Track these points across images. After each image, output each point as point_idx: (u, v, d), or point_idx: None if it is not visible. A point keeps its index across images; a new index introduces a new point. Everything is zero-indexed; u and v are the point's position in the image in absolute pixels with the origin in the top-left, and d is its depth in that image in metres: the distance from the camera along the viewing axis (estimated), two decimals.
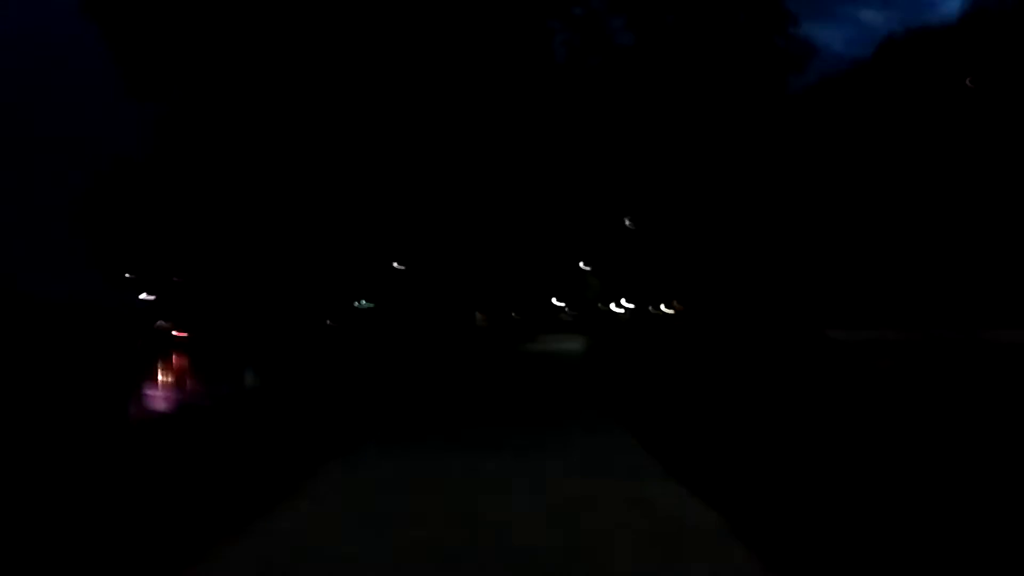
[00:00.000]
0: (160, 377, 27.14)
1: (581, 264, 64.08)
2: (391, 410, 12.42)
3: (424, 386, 16.58)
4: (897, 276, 29.34)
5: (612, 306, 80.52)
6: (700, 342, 22.89)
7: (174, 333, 50.98)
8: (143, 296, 51.67)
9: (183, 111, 28.40)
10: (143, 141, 34.46)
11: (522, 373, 20.85)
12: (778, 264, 33.21)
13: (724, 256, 33.79)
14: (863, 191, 30.09)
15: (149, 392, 21.64)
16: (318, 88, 27.75)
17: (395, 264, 41.20)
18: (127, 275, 47.11)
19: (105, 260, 44.95)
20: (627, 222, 33.75)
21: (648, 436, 9.29)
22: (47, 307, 50.34)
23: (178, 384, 25.02)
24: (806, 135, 32.10)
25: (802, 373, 14.07)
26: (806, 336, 18.50)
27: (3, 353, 31.91)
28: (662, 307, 69.26)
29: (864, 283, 29.93)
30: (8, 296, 50.42)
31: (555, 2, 31.23)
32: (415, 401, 13.73)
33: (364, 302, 53.10)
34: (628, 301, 76.92)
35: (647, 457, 8.15)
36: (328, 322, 51.35)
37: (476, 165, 30.26)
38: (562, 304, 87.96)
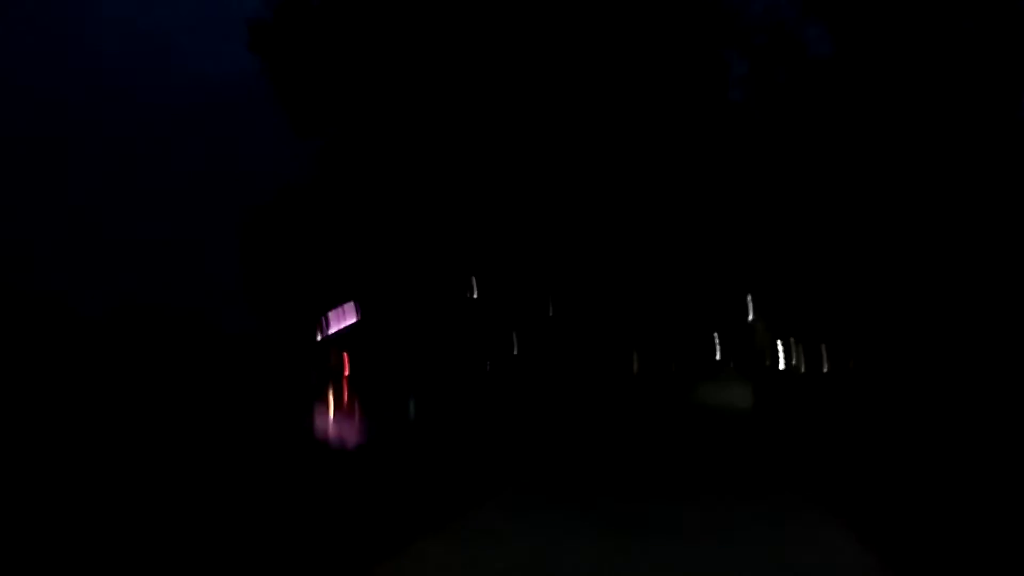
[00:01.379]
0: (330, 409, 27.86)
1: (749, 308, 60.22)
2: (533, 464, 11.22)
3: (573, 439, 14.95)
4: None
5: (781, 356, 75.20)
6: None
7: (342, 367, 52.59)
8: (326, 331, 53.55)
9: (346, 145, 28.93)
10: (294, 175, 35.20)
11: (684, 434, 18.61)
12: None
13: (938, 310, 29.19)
14: None
15: (318, 423, 22.14)
16: (479, 121, 27.44)
17: (545, 309, 40.18)
18: (294, 309, 49.04)
19: (271, 295, 46.97)
20: (802, 259, 30.13)
21: (879, 537, 7.03)
22: (233, 342, 53.86)
23: (344, 416, 25.56)
24: None
25: None
26: None
27: (191, 385, 34.13)
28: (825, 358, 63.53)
29: None
30: (202, 331, 54.41)
31: (733, 36, 29.29)
32: (560, 456, 12.14)
33: (516, 348, 52.43)
34: (796, 350, 71.47)
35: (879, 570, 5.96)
36: (487, 367, 50.91)
37: (636, 202, 28.61)
38: (726, 352, 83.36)
